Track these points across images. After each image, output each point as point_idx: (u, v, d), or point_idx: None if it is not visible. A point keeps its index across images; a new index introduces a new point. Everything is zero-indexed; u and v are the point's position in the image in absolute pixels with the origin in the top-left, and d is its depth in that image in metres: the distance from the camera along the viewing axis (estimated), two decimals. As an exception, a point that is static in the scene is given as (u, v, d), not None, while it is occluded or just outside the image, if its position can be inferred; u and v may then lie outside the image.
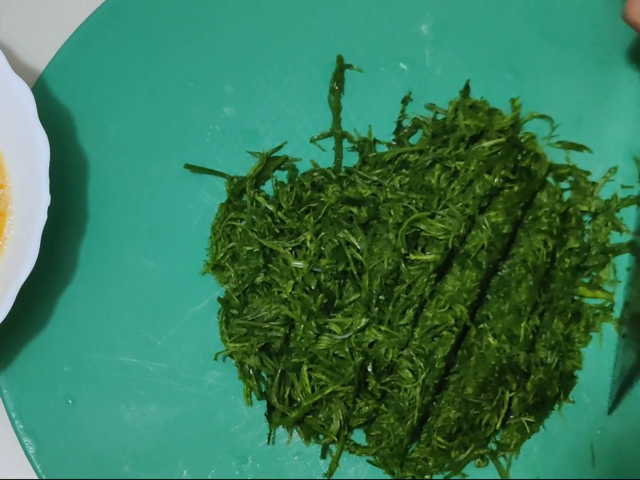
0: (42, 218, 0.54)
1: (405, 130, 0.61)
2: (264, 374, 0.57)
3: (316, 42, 0.62)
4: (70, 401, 0.57)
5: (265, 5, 0.63)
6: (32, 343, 0.58)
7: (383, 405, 0.55)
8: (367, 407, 0.55)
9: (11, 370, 0.57)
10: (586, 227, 0.59)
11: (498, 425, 0.54)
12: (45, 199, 0.54)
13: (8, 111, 0.55)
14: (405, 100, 0.62)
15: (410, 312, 0.55)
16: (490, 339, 0.55)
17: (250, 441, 0.56)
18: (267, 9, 0.62)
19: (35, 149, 0.54)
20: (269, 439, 0.56)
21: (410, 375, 0.54)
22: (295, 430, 0.56)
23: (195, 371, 0.57)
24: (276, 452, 0.56)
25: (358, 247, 0.55)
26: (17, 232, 0.56)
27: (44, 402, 0.56)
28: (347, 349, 0.54)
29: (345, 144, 0.61)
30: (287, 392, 0.55)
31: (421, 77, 0.62)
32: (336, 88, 0.62)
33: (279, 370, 0.55)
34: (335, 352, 0.54)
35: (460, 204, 0.56)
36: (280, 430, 0.57)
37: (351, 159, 0.61)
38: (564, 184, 0.61)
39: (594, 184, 0.60)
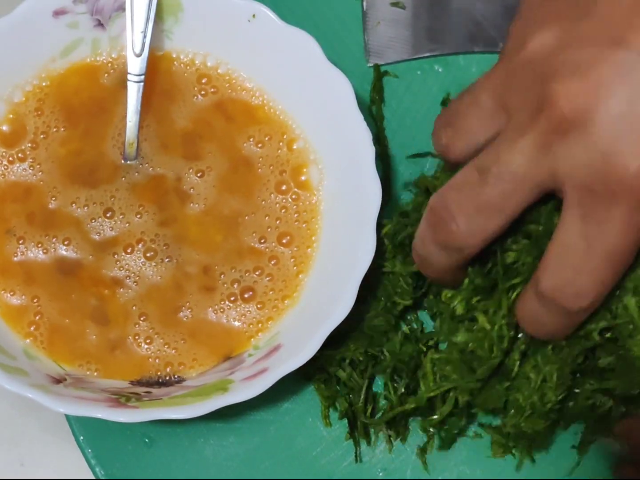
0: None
1: (451, 132, 0.61)
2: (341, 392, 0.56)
3: (350, 52, 0.62)
4: (147, 440, 0.55)
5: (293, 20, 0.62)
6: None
7: None
8: None
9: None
10: None
11: None
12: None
13: None
14: (445, 102, 0.61)
15: None
16: None
17: (333, 462, 0.56)
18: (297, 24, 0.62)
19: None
20: (356, 457, 0.55)
21: None
22: (381, 437, 0.55)
23: (270, 397, 0.56)
24: (361, 470, 0.56)
25: None
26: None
27: (121, 445, 0.55)
28: None
29: (395, 152, 0.61)
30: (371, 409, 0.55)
31: (457, 76, 0.62)
32: (377, 98, 0.61)
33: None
34: None
35: None
36: (363, 448, 0.56)
37: (402, 169, 0.61)
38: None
39: None
